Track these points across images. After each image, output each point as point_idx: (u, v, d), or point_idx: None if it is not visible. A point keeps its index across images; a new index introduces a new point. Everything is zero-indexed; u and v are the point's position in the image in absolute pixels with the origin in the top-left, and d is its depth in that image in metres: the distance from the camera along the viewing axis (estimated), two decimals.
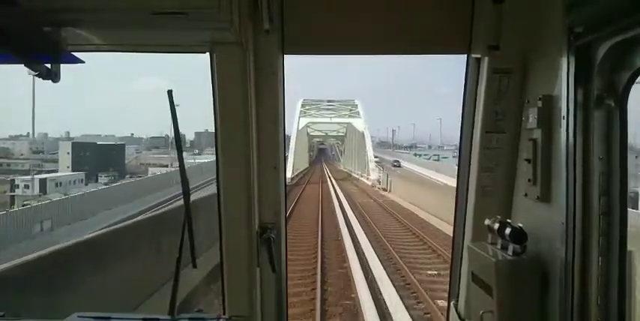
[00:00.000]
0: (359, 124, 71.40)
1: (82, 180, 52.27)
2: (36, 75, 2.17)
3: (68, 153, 62.85)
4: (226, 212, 2.81)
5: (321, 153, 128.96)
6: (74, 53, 2.35)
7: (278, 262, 2.83)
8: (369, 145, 64.49)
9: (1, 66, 2.19)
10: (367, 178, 58.60)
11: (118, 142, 75.55)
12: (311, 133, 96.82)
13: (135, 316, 2.76)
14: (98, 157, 61.48)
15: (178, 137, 2.73)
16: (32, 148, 69.26)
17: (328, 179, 63.98)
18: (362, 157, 67.81)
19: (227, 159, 2.77)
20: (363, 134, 68.09)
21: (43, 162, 64.11)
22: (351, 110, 75.01)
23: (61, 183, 47.25)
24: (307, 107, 73.87)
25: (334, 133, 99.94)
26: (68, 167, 58.86)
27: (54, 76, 2.24)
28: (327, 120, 79.38)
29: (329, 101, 76.83)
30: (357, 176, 67.39)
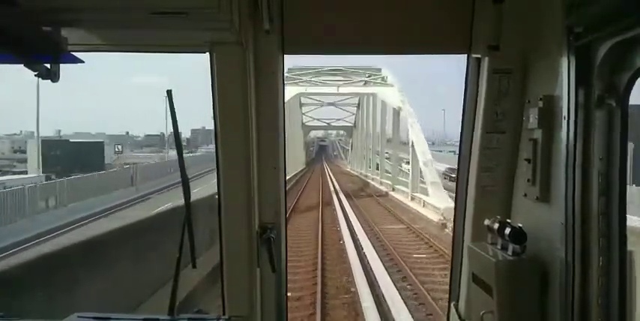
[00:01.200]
0: (390, 95, 39.90)
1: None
2: (36, 75, 2.17)
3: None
4: (226, 212, 2.81)
5: (321, 150, 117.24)
6: (74, 53, 2.35)
7: (278, 262, 2.82)
8: (415, 133, 33.31)
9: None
10: (410, 198, 30.60)
11: (97, 140, 66.25)
12: (307, 123, 71.42)
13: (135, 316, 2.76)
14: (72, 157, 52.94)
15: (178, 137, 2.74)
16: (15, 147, 66.13)
17: (334, 195, 36.32)
18: (389, 153, 43.10)
19: (227, 159, 2.77)
20: (396, 113, 38.98)
21: (18, 162, 59.56)
22: (370, 76, 44.73)
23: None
24: (298, 73, 42.06)
25: (339, 123, 74.51)
26: (38, 168, 50.28)
27: (54, 76, 2.24)
28: (332, 90, 45.00)
29: (333, 69, 44.93)
30: (381, 188, 40.32)
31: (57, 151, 54.53)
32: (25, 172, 49.09)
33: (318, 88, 45.54)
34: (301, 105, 61.53)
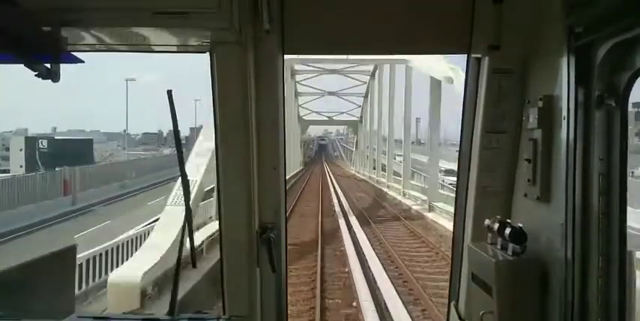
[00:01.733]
0: (430, 62, 26.75)
1: None
2: (36, 75, 2.17)
3: (21, 150, 50.84)
4: (226, 212, 2.81)
5: (321, 150, 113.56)
6: (74, 53, 2.35)
7: (278, 262, 2.82)
8: None
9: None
10: None
11: (88, 137, 62.82)
12: (305, 117, 62.89)
13: (135, 316, 2.77)
14: (59, 155, 48.44)
15: (178, 136, 2.73)
16: (5, 144, 65.02)
17: (342, 218, 25.06)
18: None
19: (227, 159, 2.77)
20: (436, 90, 27.45)
21: (3, 160, 57.94)
22: None
23: None
24: None
25: (343, 117, 64.47)
26: (22, 166, 47.59)
27: (54, 76, 2.24)
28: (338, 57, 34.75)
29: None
30: (405, 202, 30.23)
31: (42, 149, 51.14)
32: (8, 171, 45.14)
33: (317, 55, 30.59)
34: (297, 94, 52.65)
